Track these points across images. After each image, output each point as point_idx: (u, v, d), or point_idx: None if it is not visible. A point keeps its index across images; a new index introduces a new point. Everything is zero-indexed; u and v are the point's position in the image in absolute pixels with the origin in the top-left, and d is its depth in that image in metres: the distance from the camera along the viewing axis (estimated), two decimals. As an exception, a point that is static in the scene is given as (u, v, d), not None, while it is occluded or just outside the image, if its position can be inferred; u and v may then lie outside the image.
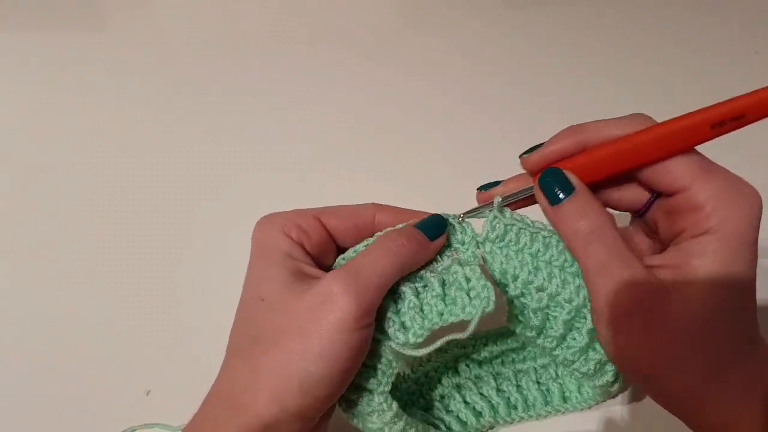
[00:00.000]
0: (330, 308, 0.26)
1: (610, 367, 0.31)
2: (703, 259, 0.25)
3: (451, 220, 0.31)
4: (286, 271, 0.28)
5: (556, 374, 0.38)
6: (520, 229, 0.30)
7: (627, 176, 0.29)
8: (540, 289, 0.30)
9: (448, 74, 0.66)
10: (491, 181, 0.31)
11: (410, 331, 0.28)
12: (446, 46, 0.70)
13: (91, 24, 0.78)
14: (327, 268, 0.31)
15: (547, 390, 0.38)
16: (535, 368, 0.39)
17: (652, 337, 0.25)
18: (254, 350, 0.27)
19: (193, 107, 0.64)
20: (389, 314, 0.29)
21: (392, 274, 0.28)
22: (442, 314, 0.29)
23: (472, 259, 0.31)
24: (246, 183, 0.55)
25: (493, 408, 0.37)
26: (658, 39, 0.70)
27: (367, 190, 0.53)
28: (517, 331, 0.32)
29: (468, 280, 0.29)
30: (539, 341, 0.32)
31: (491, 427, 0.38)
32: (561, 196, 0.27)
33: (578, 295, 0.29)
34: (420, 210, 0.32)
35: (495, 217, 0.30)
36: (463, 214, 0.31)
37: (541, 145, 0.29)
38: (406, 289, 0.29)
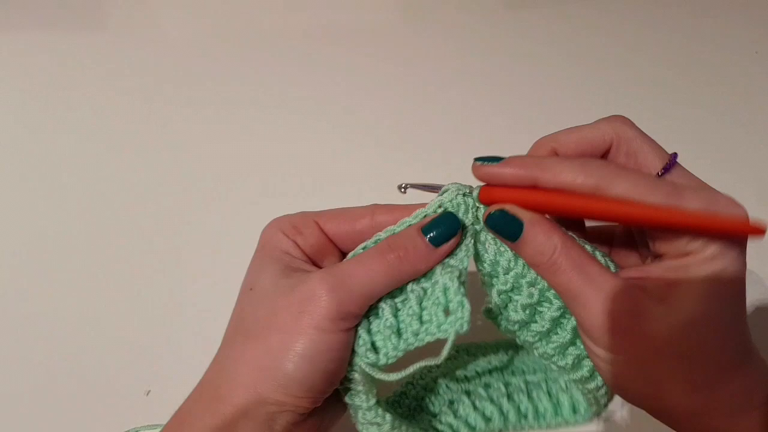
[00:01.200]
0: (311, 306, 0.26)
1: (587, 363, 0.30)
2: (686, 276, 0.24)
3: (448, 200, 0.29)
4: (278, 266, 0.28)
5: (566, 386, 0.37)
6: None
7: None
8: (532, 284, 0.29)
9: (448, 74, 0.66)
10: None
11: (381, 351, 0.27)
12: (446, 46, 0.70)
13: (91, 24, 0.78)
14: None
15: (558, 401, 0.37)
16: (546, 380, 0.38)
17: (637, 355, 0.25)
18: (237, 340, 0.28)
19: (193, 107, 0.64)
20: (360, 331, 0.28)
21: (384, 285, 0.27)
22: (417, 334, 0.28)
23: (461, 261, 0.29)
24: (247, 183, 0.55)
25: (502, 414, 0.36)
26: (658, 39, 0.70)
27: (366, 190, 0.53)
28: (497, 321, 0.31)
29: (445, 291, 0.28)
30: (520, 335, 0.31)
31: None
32: (513, 233, 0.27)
33: None
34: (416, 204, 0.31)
35: (464, 191, 0.29)
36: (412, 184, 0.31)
37: (497, 159, 0.27)
38: (384, 306, 0.28)
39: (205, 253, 0.50)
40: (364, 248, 0.30)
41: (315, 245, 0.30)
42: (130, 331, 0.45)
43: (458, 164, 0.56)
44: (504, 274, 0.29)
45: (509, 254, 0.29)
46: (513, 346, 0.39)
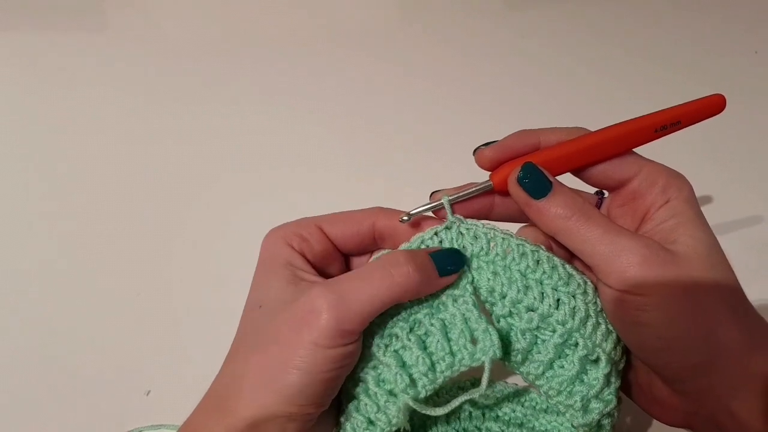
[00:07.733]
0: (310, 323, 0.26)
1: (595, 405, 0.29)
2: (678, 218, 0.28)
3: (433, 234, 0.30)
4: (283, 280, 0.28)
5: None
6: (503, 239, 0.29)
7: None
8: (530, 309, 0.29)
9: (448, 74, 0.66)
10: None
11: (419, 383, 0.27)
12: (446, 46, 0.70)
13: (91, 24, 0.78)
14: (331, 276, 0.31)
15: None
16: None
17: (685, 290, 0.26)
18: (240, 354, 0.28)
19: (193, 107, 0.64)
20: (396, 369, 0.27)
21: (384, 303, 0.27)
22: (452, 366, 0.28)
23: (465, 288, 0.29)
24: (247, 182, 0.55)
25: None
26: (658, 39, 0.70)
27: (365, 189, 0.53)
28: (503, 357, 0.30)
29: (466, 321, 0.28)
30: (523, 369, 0.30)
31: None
32: (543, 189, 0.28)
33: (573, 318, 0.28)
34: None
35: (453, 222, 0.29)
36: (412, 211, 0.30)
37: (494, 141, 0.31)
38: (411, 341, 0.28)
39: (206, 253, 0.50)
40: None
41: (321, 252, 0.30)
42: (130, 331, 0.45)
43: (458, 163, 0.56)
44: (500, 300, 0.29)
45: (502, 279, 0.29)
46: (516, 397, 0.36)
